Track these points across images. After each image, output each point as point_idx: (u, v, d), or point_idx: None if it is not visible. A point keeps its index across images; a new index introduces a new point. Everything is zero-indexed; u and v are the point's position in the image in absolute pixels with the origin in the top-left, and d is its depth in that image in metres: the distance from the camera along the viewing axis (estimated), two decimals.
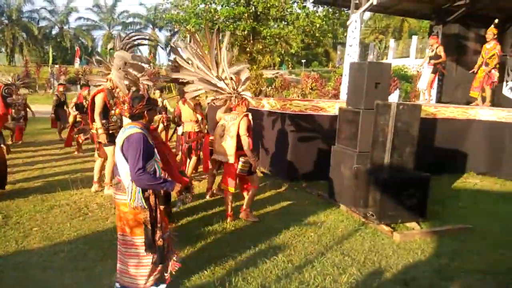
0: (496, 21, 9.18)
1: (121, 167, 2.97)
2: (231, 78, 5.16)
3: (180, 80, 6.03)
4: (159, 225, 3.08)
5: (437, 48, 9.34)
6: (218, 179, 6.07)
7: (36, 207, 5.25)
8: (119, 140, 2.98)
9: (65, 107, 10.71)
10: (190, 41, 5.97)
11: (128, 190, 2.96)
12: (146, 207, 2.99)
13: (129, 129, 2.97)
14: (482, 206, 6.22)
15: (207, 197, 5.94)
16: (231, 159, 4.85)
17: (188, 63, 5.60)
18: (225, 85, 5.19)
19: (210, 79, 5.33)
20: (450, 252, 4.36)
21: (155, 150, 3.09)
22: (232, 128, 4.84)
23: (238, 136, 4.81)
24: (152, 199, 3.04)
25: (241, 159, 4.88)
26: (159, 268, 3.15)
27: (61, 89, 11.07)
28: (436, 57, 9.38)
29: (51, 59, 31.57)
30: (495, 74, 8.84)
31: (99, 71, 6.73)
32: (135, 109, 3.03)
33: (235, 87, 5.10)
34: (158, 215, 3.09)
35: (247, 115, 4.90)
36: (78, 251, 4.01)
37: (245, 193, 5.21)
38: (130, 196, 2.96)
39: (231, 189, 4.94)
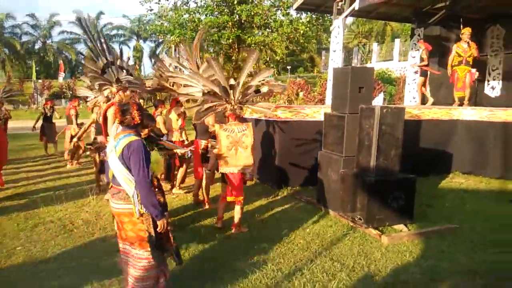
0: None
1: (121, 175, 2.91)
2: (231, 86, 5.06)
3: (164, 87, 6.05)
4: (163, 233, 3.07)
5: (423, 51, 9.57)
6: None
7: (20, 225, 5.14)
8: (117, 149, 2.90)
9: (52, 122, 10.52)
10: (174, 51, 5.99)
11: (134, 198, 2.90)
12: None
13: (126, 137, 2.92)
14: (469, 205, 6.27)
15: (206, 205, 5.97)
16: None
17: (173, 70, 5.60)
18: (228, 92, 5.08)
19: (210, 84, 5.22)
20: (438, 253, 4.38)
21: None
22: (245, 138, 4.84)
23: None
24: None
25: None
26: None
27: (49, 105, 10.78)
28: (421, 60, 9.61)
29: (34, 74, 31.19)
30: (475, 73, 8.99)
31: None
32: (139, 117, 2.99)
33: (237, 97, 5.04)
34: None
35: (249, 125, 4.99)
36: (63, 270, 3.91)
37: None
38: (137, 204, 2.91)
39: (240, 198, 4.93)
